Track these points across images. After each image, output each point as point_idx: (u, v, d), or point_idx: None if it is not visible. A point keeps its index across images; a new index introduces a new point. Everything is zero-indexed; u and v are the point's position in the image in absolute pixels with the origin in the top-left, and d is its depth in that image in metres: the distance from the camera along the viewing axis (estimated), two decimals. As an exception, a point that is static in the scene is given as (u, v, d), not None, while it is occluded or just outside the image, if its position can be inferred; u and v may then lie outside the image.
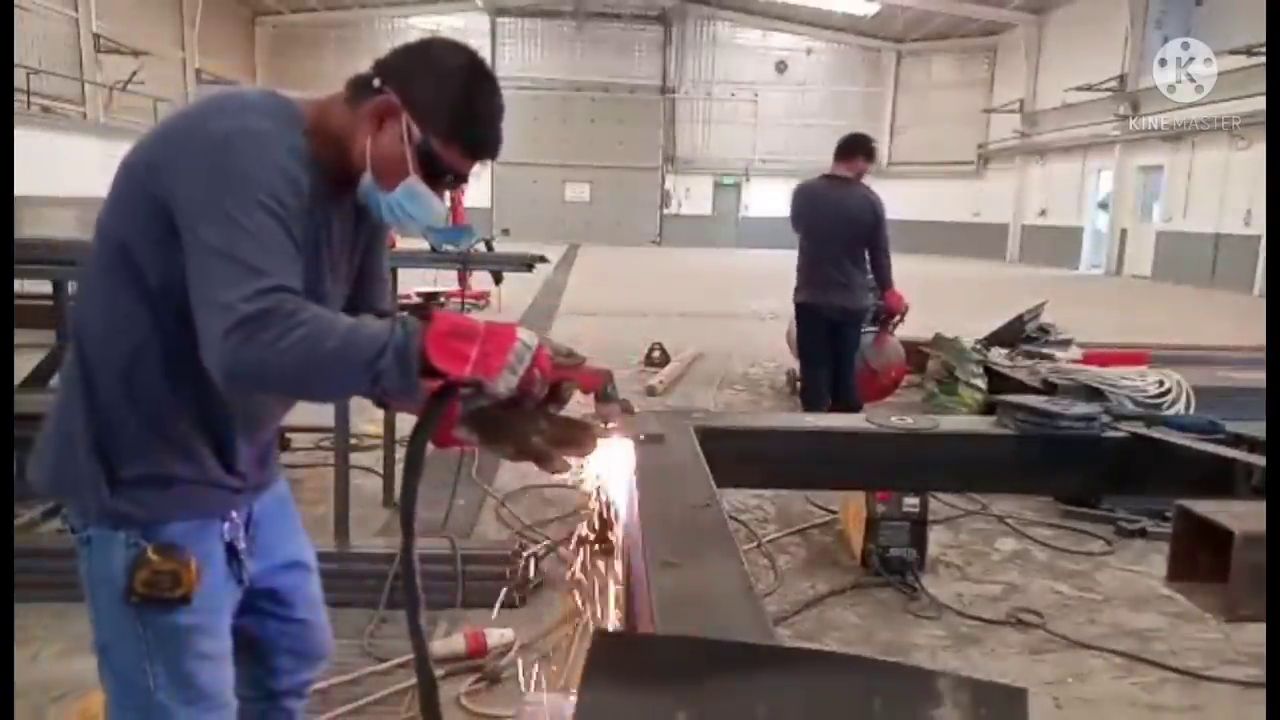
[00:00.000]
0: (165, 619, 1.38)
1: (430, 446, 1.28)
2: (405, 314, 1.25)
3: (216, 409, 1.39)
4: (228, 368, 1.18)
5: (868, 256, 4.94)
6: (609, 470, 1.65)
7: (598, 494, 1.71)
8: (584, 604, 1.91)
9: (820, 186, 5.08)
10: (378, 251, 1.62)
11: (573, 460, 1.33)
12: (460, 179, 1.44)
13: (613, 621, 1.77)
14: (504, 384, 1.17)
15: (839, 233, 4.93)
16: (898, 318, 5.22)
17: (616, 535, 1.67)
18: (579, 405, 1.47)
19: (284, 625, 1.66)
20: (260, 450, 1.54)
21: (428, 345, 1.16)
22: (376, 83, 1.35)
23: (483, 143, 1.40)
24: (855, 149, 5.00)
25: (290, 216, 1.24)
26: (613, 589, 1.79)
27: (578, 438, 1.31)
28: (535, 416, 1.27)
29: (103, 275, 1.34)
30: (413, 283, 8.48)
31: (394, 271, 3.88)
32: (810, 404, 5.03)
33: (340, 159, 1.37)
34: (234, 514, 1.47)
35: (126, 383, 1.34)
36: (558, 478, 1.41)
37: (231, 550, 1.47)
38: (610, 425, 1.46)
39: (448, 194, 1.48)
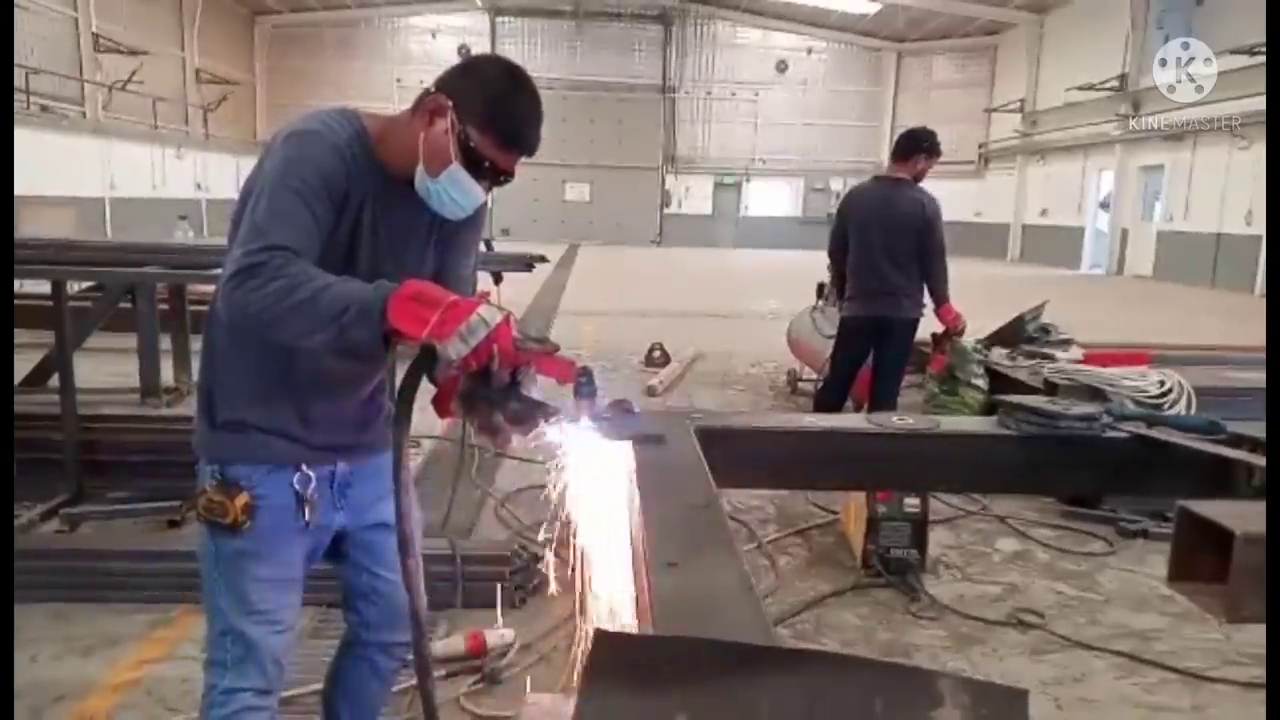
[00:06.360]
0: (225, 540, 1.64)
1: (433, 439, 1.33)
2: (383, 280, 1.38)
3: (298, 373, 1.62)
4: (225, 308, 1.43)
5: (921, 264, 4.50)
6: (599, 471, 1.65)
7: (563, 495, 1.74)
8: (583, 605, 1.91)
9: (868, 188, 4.76)
10: (458, 251, 1.77)
11: (516, 440, 1.45)
12: (499, 171, 1.58)
13: (613, 622, 1.76)
14: (454, 350, 1.29)
15: (882, 237, 4.53)
16: (953, 339, 4.87)
17: (596, 538, 1.67)
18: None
19: (373, 579, 1.86)
20: (350, 417, 1.74)
21: (390, 306, 1.31)
22: (431, 89, 1.58)
23: (516, 134, 1.58)
24: (914, 147, 4.56)
25: (312, 195, 1.46)
26: (612, 590, 1.78)
27: (527, 420, 1.40)
28: (507, 395, 1.36)
29: None
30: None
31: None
32: (821, 406, 4.88)
33: (405, 160, 1.57)
34: (305, 467, 1.67)
35: (234, 346, 1.63)
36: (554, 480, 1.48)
37: (299, 499, 1.66)
38: (585, 421, 1.50)
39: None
